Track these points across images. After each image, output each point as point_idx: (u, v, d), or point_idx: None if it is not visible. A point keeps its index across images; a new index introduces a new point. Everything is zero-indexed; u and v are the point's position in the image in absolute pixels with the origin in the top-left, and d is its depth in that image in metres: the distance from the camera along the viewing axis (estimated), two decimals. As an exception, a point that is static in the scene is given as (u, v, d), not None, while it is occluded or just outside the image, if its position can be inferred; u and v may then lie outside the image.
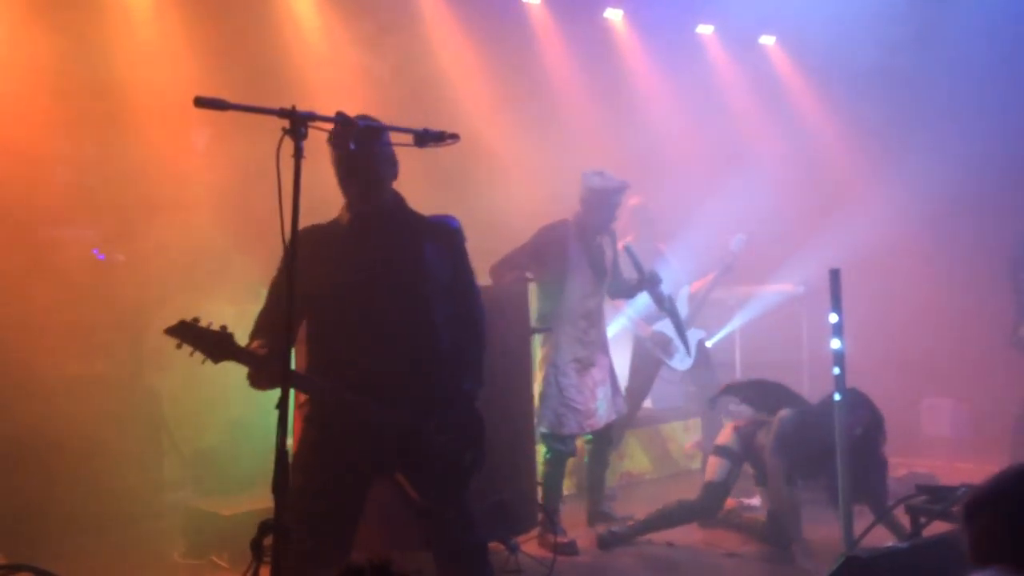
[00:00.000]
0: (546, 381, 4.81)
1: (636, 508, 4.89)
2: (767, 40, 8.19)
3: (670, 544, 4.79)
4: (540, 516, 4.65)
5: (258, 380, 2.77)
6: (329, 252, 2.93)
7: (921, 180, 7.05)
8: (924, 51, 7.29)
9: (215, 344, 2.65)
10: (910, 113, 7.28)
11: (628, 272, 5.13)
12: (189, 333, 2.64)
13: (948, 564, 1.55)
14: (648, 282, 5.06)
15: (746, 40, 8.07)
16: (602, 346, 4.99)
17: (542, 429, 4.81)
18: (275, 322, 2.84)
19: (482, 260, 6.25)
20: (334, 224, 3.05)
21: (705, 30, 7.93)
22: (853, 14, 7.09)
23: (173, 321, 2.70)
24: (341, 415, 2.89)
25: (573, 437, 4.89)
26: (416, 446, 2.93)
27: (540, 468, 4.83)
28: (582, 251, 4.85)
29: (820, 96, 8.01)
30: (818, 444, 4.17)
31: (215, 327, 2.68)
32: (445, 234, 3.09)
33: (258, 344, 2.84)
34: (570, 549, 4.62)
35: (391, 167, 3.03)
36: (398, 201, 3.09)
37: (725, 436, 4.87)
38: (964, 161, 6.80)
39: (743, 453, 4.78)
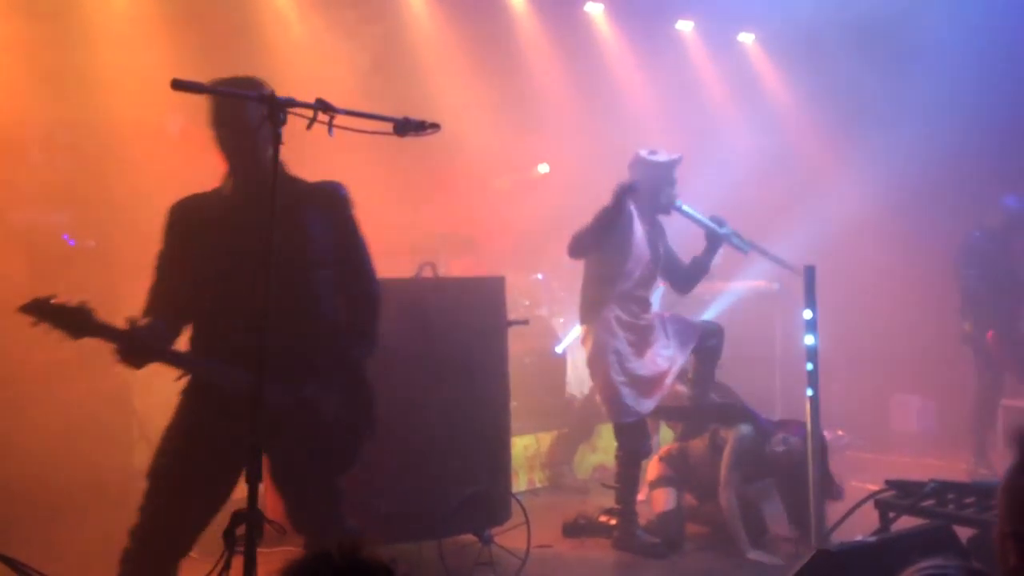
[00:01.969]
0: (610, 371, 4.58)
1: (610, 502, 4.91)
2: (745, 37, 8.24)
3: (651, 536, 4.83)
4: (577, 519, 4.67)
5: (126, 356, 2.64)
6: (208, 224, 2.81)
7: (889, 178, 7.15)
8: (895, 50, 7.39)
9: (72, 320, 2.54)
10: (880, 110, 7.36)
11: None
12: (45, 310, 2.53)
13: (916, 557, 1.57)
14: (720, 233, 4.72)
15: (725, 37, 8.11)
16: (654, 328, 4.77)
17: (625, 420, 4.61)
18: (163, 297, 2.77)
19: (463, 254, 6.32)
20: (214, 194, 2.90)
21: (684, 26, 7.96)
22: (827, 15, 7.17)
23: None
24: (215, 390, 2.75)
25: (648, 427, 4.81)
26: (296, 419, 2.79)
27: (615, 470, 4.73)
28: (644, 234, 4.68)
29: (794, 93, 8.07)
30: (765, 459, 4.53)
31: (73, 303, 2.56)
32: (330, 201, 2.95)
33: (147, 322, 2.71)
34: (659, 551, 4.57)
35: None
36: (280, 168, 2.88)
37: (656, 470, 4.91)
38: (932, 159, 6.90)
39: (680, 478, 4.84)
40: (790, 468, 4.48)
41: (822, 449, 4.25)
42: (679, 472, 4.86)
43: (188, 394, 2.85)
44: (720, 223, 4.74)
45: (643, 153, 4.74)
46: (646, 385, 4.62)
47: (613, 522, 4.74)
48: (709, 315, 6.42)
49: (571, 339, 6.50)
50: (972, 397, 6.30)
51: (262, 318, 2.39)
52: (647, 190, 4.65)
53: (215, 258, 2.78)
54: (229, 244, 2.78)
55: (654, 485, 4.88)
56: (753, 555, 4.47)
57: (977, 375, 6.30)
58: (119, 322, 2.61)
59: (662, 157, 4.72)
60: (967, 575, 1.33)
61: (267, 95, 2.37)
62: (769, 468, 4.65)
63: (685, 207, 4.77)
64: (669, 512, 4.75)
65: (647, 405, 4.63)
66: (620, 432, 4.69)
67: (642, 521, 4.74)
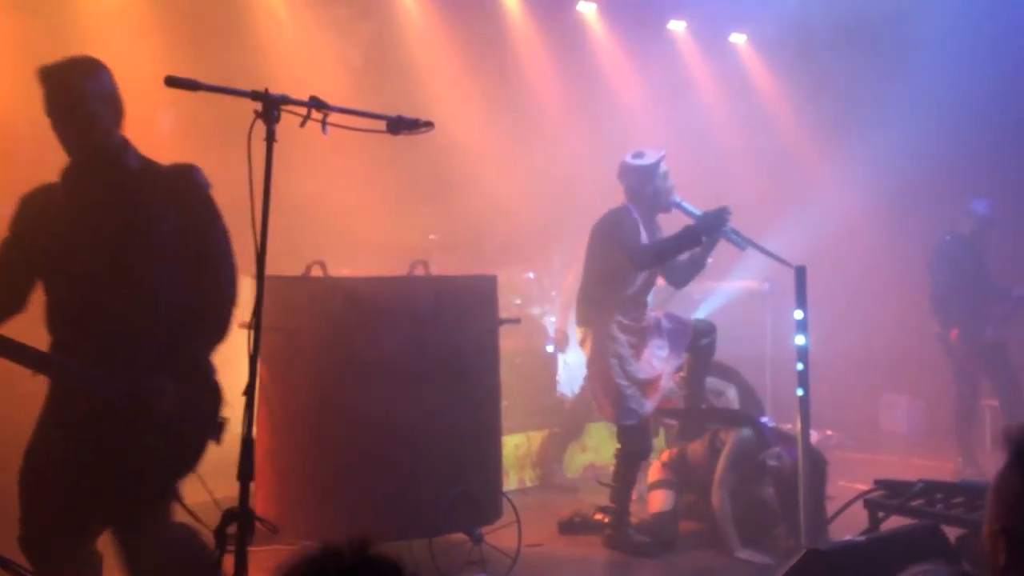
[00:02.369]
0: (613, 375, 4.61)
1: (600, 500, 4.92)
2: (737, 38, 8.26)
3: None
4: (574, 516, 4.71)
5: None
6: (46, 212, 2.71)
7: (878, 178, 7.19)
8: (885, 50, 7.43)
9: None
10: (870, 110, 7.39)
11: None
12: None
13: (904, 557, 1.58)
14: (712, 223, 4.58)
15: (717, 37, 8.14)
16: (650, 329, 4.79)
17: (628, 422, 4.63)
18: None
19: (459, 253, 6.30)
20: (57, 184, 2.76)
21: (677, 26, 7.98)
22: (818, 17, 7.21)
23: None
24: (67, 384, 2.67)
25: (650, 428, 4.83)
26: (126, 414, 2.63)
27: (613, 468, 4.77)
28: (647, 239, 4.68)
29: (785, 93, 8.10)
30: (761, 465, 4.59)
31: None
32: (181, 186, 2.76)
33: None
34: (651, 550, 4.59)
35: (108, 107, 2.70)
36: (120, 149, 2.74)
37: (657, 472, 4.93)
38: (922, 159, 6.95)
39: (680, 481, 4.87)
40: (779, 483, 4.54)
41: (820, 474, 4.36)
42: (679, 475, 4.88)
43: (50, 390, 2.75)
44: (719, 218, 4.63)
45: (629, 159, 4.76)
46: (645, 387, 4.65)
47: (607, 520, 4.75)
48: (700, 314, 6.44)
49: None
50: (952, 398, 6.37)
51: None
52: (644, 195, 4.69)
53: (51, 249, 2.69)
54: (64, 234, 2.68)
55: (652, 487, 4.90)
56: (742, 554, 4.49)
57: (954, 376, 6.37)
58: None
59: (648, 159, 4.72)
60: None
61: (261, 92, 2.36)
62: (764, 473, 4.69)
63: (684, 204, 4.77)
64: (665, 513, 4.76)
65: (648, 406, 4.66)
66: (623, 433, 4.71)
67: (636, 521, 4.75)
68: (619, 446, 4.73)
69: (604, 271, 4.69)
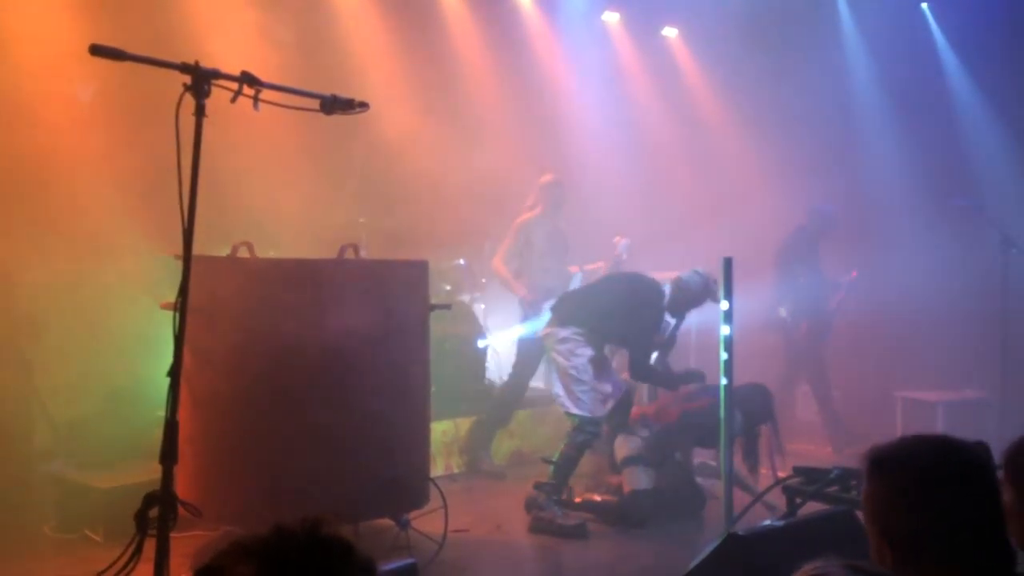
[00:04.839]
0: (581, 367, 4.91)
1: (527, 487, 4.95)
2: (669, 32, 8.36)
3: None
4: (541, 495, 4.80)
5: None
6: None
7: (802, 169, 7.41)
8: (814, 51, 7.65)
9: None
10: (799, 111, 7.59)
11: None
12: None
13: (821, 542, 1.65)
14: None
15: (649, 30, 8.22)
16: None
17: (581, 413, 4.89)
18: None
19: (389, 237, 6.24)
20: None
21: (611, 17, 8.04)
22: (754, 12, 7.35)
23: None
24: None
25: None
26: None
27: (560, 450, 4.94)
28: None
29: (716, 89, 8.24)
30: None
31: None
32: None
33: None
34: (580, 532, 4.71)
35: None
36: None
37: (624, 448, 5.06)
38: (848, 155, 7.19)
39: (651, 453, 5.04)
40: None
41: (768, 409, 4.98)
42: (651, 446, 5.04)
43: None
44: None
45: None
46: (602, 392, 5.08)
47: (540, 498, 4.83)
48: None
49: (500, 334, 6.57)
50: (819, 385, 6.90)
51: (184, 294, 2.32)
52: (681, 303, 5.06)
53: None
54: None
55: (626, 462, 5.01)
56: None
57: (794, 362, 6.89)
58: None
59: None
60: (849, 572, 1.43)
61: (191, 64, 2.29)
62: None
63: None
64: (641, 492, 4.89)
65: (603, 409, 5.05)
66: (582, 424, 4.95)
67: (608, 498, 4.98)
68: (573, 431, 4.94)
69: (615, 333, 5.05)
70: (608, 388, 5.03)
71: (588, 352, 4.95)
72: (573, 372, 4.91)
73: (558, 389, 5.00)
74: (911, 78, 7.74)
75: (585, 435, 4.91)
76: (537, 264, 6.05)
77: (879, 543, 1.65)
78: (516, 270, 6.08)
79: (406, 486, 4.19)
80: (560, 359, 4.97)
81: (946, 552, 1.57)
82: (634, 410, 5.25)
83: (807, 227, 6.88)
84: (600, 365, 5.03)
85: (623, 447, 5.07)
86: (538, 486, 4.87)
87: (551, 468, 4.89)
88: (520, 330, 6.12)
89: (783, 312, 6.81)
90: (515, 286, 6.04)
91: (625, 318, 4.94)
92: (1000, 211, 6.73)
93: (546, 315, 5.48)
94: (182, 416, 2.92)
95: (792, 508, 3.53)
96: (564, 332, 4.99)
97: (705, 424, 4.70)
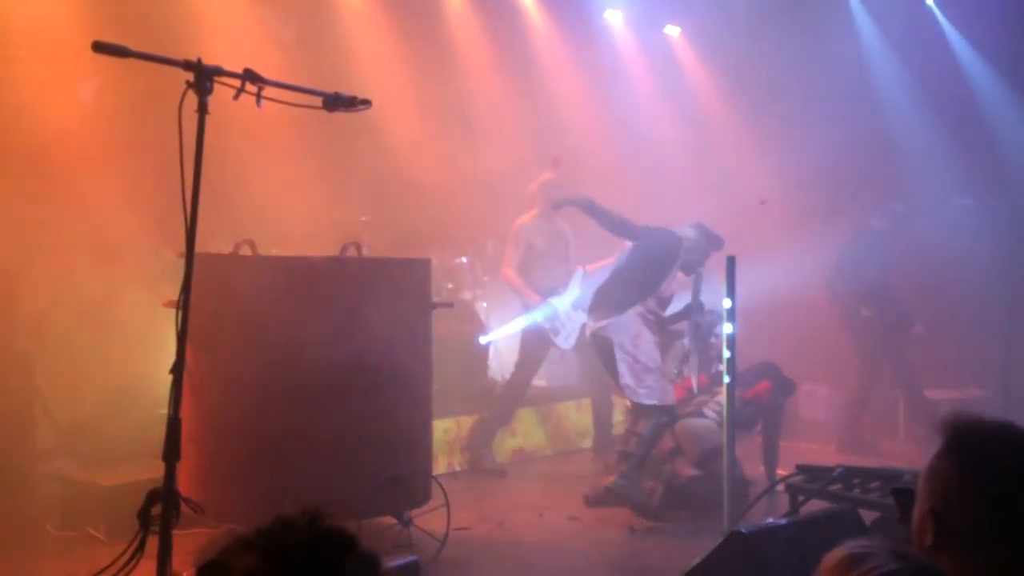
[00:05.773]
0: (650, 352, 4.96)
1: (528, 485, 4.96)
2: (672, 30, 8.36)
3: (572, 518, 4.90)
4: None
5: None
6: None
7: (807, 173, 7.38)
8: (818, 50, 7.63)
9: None
10: (796, 106, 7.58)
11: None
12: None
13: (823, 539, 1.64)
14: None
15: (652, 28, 8.22)
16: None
17: (653, 402, 4.90)
18: None
19: (392, 236, 6.25)
20: None
21: (613, 15, 8.03)
22: (754, 12, 7.35)
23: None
24: None
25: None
26: None
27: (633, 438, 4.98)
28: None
29: (720, 87, 8.24)
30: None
31: None
32: None
33: None
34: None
35: None
36: None
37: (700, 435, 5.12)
38: (844, 147, 7.18)
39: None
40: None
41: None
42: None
43: None
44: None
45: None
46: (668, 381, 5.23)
47: (623, 467, 4.87)
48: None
49: (499, 331, 6.55)
50: (853, 389, 6.72)
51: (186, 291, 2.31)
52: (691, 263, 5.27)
53: None
54: None
55: (705, 451, 5.08)
56: None
57: (872, 364, 6.67)
58: None
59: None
60: (891, 557, 1.39)
61: (193, 62, 2.29)
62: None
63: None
64: (696, 478, 4.94)
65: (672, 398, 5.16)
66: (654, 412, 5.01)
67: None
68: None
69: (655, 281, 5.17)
70: (674, 370, 5.23)
71: (653, 337, 5.01)
72: (644, 360, 4.94)
73: (628, 380, 4.97)
74: (924, 74, 7.71)
75: (668, 417, 4.99)
76: (539, 264, 6.04)
77: (925, 518, 1.56)
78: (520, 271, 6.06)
79: (408, 484, 4.19)
80: (628, 348, 4.96)
81: (996, 548, 1.51)
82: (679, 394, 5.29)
83: (878, 227, 6.71)
84: (664, 349, 5.15)
85: (697, 433, 5.13)
86: (623, 453, 4.98)
87: (628, 459, 4.90)
88: (520, 322, 6.10)
89: (865, 312, 6.64)
90: (528, 294, 5.99)
91: (652, 262, 5.11)
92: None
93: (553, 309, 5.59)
94: (185, 414, 2.93)
95: (795, 506, 3.53)
96: (623, 317, 5.00)
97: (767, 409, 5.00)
